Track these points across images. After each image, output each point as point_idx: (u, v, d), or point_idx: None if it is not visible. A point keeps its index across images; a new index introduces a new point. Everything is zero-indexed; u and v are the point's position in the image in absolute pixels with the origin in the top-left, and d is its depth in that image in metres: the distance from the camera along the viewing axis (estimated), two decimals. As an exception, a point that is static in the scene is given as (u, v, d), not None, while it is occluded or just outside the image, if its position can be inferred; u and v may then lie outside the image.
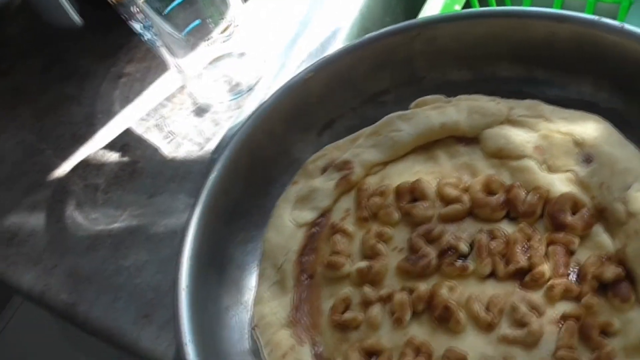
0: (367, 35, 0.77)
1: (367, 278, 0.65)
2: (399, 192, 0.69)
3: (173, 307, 0.64)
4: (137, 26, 0.86)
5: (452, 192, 0.67)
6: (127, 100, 1.03)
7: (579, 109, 0.70)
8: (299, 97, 0.76)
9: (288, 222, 0.71)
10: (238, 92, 0.94)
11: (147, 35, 0.87)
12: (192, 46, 0.92)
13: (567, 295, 0.60)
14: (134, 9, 0.86)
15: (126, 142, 0.98)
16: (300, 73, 0.76)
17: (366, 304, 0.64)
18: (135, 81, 1.04)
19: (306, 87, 0.76)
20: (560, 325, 0.59)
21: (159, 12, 0.86)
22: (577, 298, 0.60)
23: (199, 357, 0.60)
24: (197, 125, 0.95)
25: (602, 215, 0.63)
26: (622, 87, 0.69)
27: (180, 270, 0.65)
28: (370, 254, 0.66)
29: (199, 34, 0.91)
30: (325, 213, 0.71)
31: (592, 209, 0.63)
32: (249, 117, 0.75)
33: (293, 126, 0.78)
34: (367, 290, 0.64)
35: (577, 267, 0.61)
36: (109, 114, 1.02)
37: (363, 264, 0.65)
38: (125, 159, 0.96)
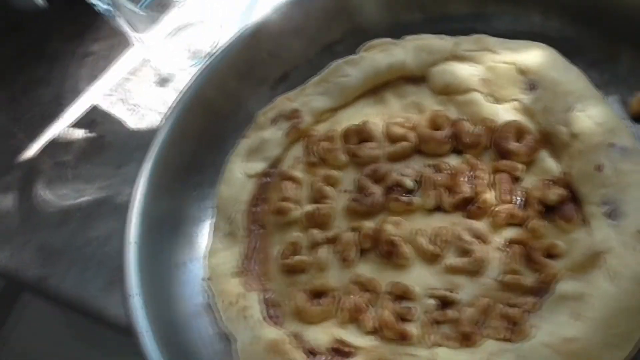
0: (313, -16, 0.76)
1: (315, 221, 0.64)
2: (346, 135, 0.68)
3: (121, 261, 0.64)
4: (90, -3, 0.86)
5: (398, 130, 0.66)
6: (93, 77, 1.03)
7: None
8: (249, 51, 0.76)
9: (239, 174, 0.70)
10: (198, 59, 0.94)
11: (102, 6, 0.87)
12: (152, 19, 0.92)
13: (512, 220, 0.59)
14: (87, -19, 0.86)
15: (93, 118, 0.98)
16: (249, 26, 0.76)
17: (314, 246, 0.63)
18: (100, 59, 1.05)
19: (256, 40, 0.76)
20: (506, 251, 0.57)
21: (113, -15, 0.86)
22: (522, 223, 0.59)
23: (145, 309, 0.60)
24: (160, 95, 0.95)
25: (548, 140, 0.62)
26: (572, 14, 0.68)
27: (128, 225, 0.65)
28: (318, 197, 0.66)
29: (158, 6, 0.91)
30: (276, 163, 0.71)
31: (537, 135, 0.62)
32: (198, 73, 0.74)
33: (246, 80, 0.77)
34: (315, 232, 0.63)
35: (523, 193, 0.60)
36: (76, 93, 1.02)
37: (310, 207, 0.65)
38: (93, 134, 0.96)
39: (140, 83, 0.98)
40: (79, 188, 0.92)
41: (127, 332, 0.62)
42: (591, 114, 0.58)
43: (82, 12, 1.03)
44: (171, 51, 0.96)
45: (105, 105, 0.98)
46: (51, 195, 0.92)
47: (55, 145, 0.97)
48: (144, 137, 0.91)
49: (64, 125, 0.99)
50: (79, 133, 0.97)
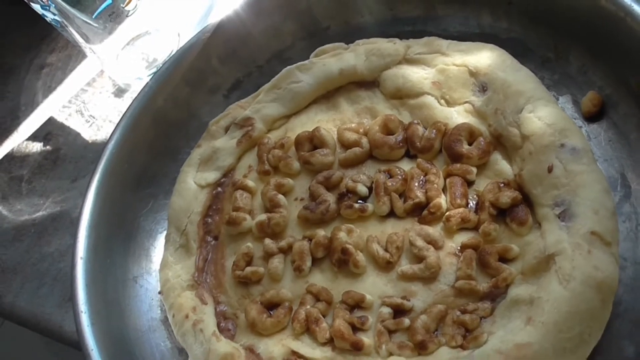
0: (263, -10, 0.75)
1: (267, 230, 0.63)
2: (298, 142, 0.67)
3: (70, 279, 0.62)
4: (36, 7, 0.84)
5: (351, 136, 0.66)
6: (49, 89, 1.01)
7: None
8: (199, 59, 0.75)
9: (191, 185, 0.69)
10: (155, 67, 0.92)
11: (49, 16, 0.85)
12: (106, 29, 0.90)
13: (465, 225, 0.58)
14: (35, -9, 0.84)
15: (49, 130, 0.96)
16: (196, 35, 0.74)
17: (268, 256, 0.62)
18: (57, 70, 1.03)
19: (205, 48, 0.75)
20: (460, 256, 0.57)
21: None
22: (476, 227, 0.58)
23: (93, 325, 0.58)
24: (116, 106, 0.93)
25: (499, 141, 0.61)
26: (519, 14, 0.68)
27: (76, 240, 0.64)
28: (269, 206, 0.64)
29: (111, 16, 0.89)
30: (229, 172, 0.70)
31: (488, 137, 0.61)
32: (148, 83, 0.73)
33: (197, 89, 0.76)
34: (268, 242, 0.62)
35: (477, 197, 0.59)
36: (32, 105, 1.00)
37: (262, 216, 0.64)
38: (48, 147, 0.94)
39: (97, 94, 0.97)
40: (34, 203, 0.90)
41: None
42: (541, 115, 0.58)
43: (37, 23, 1.02)
44: (127, 61, 0.94)
45: (62, 118, 0.96)
46: (5, 211, 0.90)
47: (10, 159, 0.95)
48: (101, 149, 0.89)
49: (19, 139, 0.97)
50: (35, 146, 0.95)
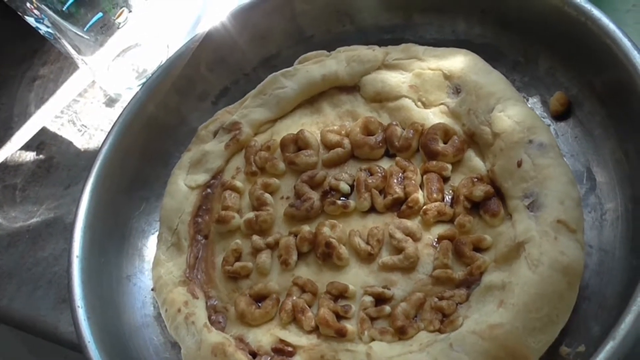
0: (249, 0, 0.78)
1: (255, 228, 0.66)
2: (284, 144, 0.70)
3: (67, 276, 0.65)
4: (31, 20, 0.87)
5: (333, 137, 0.69)
6: (42, 101, 1.04)
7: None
8: (188, 67, 0.78)
9: (182, 186, 0.72)
10: (145, 77, 0.95)
11: (43, 29, 0.88)
12: (97, 41, 0.93)
13: (441, 218, 0.61)
14: (29, 5, 0.87)
15: (42, 140, 0.99)
16: (185, 44, 0.78)
17: (256, 252, 0.65)
18: (49, 82, 1.06)
19: (194, 56, 0.78)
20: (437, 247, 0.60)
21: (56, 10, 0.87)
22: (452, 220, 0.61)
23: (89, 320, 0.61)
24: (108, 115, 0.97)
25: (473, 140, 0.65)
26: (491, 21, 0.72)
27: (73, 239, 0.67)
28: (257, 205, 0.67)
29: (102, 28, 0.92)
30: (217, 174, 0.73)
31: (462, 136, 0.65)
32: (140, 90, 0.76)
33: (187, 96, 0.79)
34: (255, 238, 0.65)
35: (452, 191, 0.63)
36: (25, 116, 1.03)
37: (250, 214, 0.67)
38: (41, 156, 0.97)
39: (89, 104, 1.00)
40: (28, 210, 0.92)
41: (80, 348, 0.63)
42: (510, 114, 0.62)
43: (30, 35, 1.05)
44: (118, 72, 0.97)
45: (54, 127, 0.99)
46: (0, 219, 0.92)
47: (4, 168, 0.98)
48: (93, 157, 0.91)
49: (13, 149, 0.99)
50: (28, 155, 0.98)
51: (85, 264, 0.66)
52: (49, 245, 0.87)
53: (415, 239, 0.61)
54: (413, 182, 0.63)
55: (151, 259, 0.72)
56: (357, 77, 0.72)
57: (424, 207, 0.62)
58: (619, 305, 0.50)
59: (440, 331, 0.56)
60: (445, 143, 0.65)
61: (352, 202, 0.65)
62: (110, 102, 0.97)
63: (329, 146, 0.69)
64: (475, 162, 0.64)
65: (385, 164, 0.67)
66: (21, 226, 0.91)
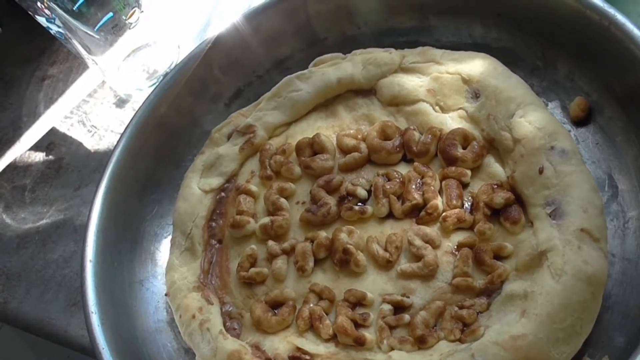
0: (262, 2, 0.78)
1: (270, 233, 0.65)
2: (299, 148, 0.69)
3: (80, 281, 0.64)
4: (42, 20, 0.87)
5: (350, 141, 0.68)
6: (51, 101, 1.03)
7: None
8: (201, 69, 0.77)
9: (196, 190, 0.71)
10: (156, 78, 0.95)
11: (54, 29, 0.87)
12: (108, 41, 0.92)
13: (461, 225, 0.61)
14: (39, 5, 0.86)
15: (51, 140, 0.98)
16: (198, 45, 0.77)
17: (271, 258, 0.64)
18: (58, 82, 1.05)
19: (207, 58, 0.77)
20: (456, 255, 0.59)
21: (67, 9, 0.86)
22: (472, 227, 0.61)
23: (103, 325, 0.60)
24: (118, 116, 0.96)
25: (492, 145, 0.64)
26: (508, 24, 0.71)
27: (86, 244, 0.66)
28: (272, 209, 0.67)
29: (113, 28, 0.92)
30: (231, 178, 0.72)
31: (482, 141, 0.64)
32: (153, 92, 0.75)
33: (200, 98, 0.79)
34: (271, 244, 0.64)
35: (471, 198, 0.62)
36: (34, 116, 1.02)
37: (266, 219, 0.66)
38: (51, 157, 0.96)
39: (99, 105, 0.99)
40: (37, 211, 0.91)
41: (91, 351, 0.62)
42: (531, 119, 0.61)
43: (39, 35, 1.04)
44: (128, 72, 0.96)
45: (64, 128, 0.98)
46: (10, 220, 0.92)
47: (13, 169, 0.97)
48: (103, 158, 0.92)
49: (22, 149, 0.99)
50: (38, 156, 0.97)
51: (98, 269, 0.65)
52: (59, 247, 0.86)
53: (435, 246, 0.60)
54: (432, 188, 0.62)
55: (164, 263, 0.71)
56: (373, 80, 0.71)
57: (443, 213, 0.61)
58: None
59: (461, 341, 0.55)
60: (464, 148, 0.64)
61: (369, 208, 0.64)
62: (121, 102, 0.97)
63: (345, 150, 0.68)
64: (495, 168, 0.63)
65: (403, 169, 0.66)
66: (30, 227, 0.90)
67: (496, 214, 0.61)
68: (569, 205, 0.56)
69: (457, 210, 0.61)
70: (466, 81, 0.67)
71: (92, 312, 0.61)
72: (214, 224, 0.70)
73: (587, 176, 0.57)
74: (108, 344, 0.60)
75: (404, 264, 0.60)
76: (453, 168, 0.63)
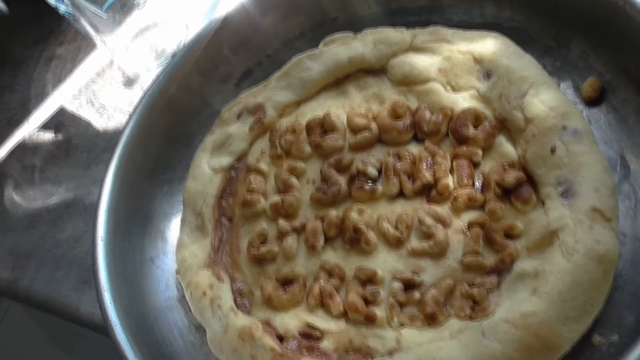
0: (272, -19, 0.77)
1: (281, 211, 0.65)
2: (309, 127, 0.69)
3: (92, 258, 0.65)
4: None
5: (360, 121, 0.68)
6: (59, 81, 1.03)
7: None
8: (211, 49, 0.77)
9: (206, 169, 0.71)
10: (164, 58, 0.94)
11: (62, 8, 0.87)
12: (116, 21, 0.92)
13: (471, 204, 0.61)
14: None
15: (60, 120, 0.98)
16: (207, 25, 0.77)
17: (282, 236, 0.65)
18: (66, 62, 1.05)
19: (217, 38, 0.77)
20: (467, 234, 0.59)
21: (76, -13, 0.86)
22: (482, 206, 0.61)
23: (115, 302, 0.61)
24: (126, 96, 0.96)
25: (504, 125, 0.64)
26: (522, 3, 0.70)
27: (97, 222, 0.66)
28: (283, 188, 0.67)
29: (122, 8, 0.91)
30: (242, 157, 0.72)
31: (493, 121, 0.64)
32: (162, 72, 0.75)
33: (210, 78, 0.78)
34: (282, 222, 0.65)
35: (482, 177, 0.62)
36: (42, 97, 1.03)
37: (276, 198, 0.66)
38: (60, 137, 0.96)
39: (107, 84, 0.99)
40: (47, 190, 0.92)
41: (102, 328, 0.62)
42: (544, 99, 0.60)
43: (46, 15, 1.04)
44: (136, 52, 0.96)
45: (72, 108, 0.98)
46: (20, 199, 0.92)
47: (22, 149, 0.97)
48: (112, 138, 0.92)
49: (31, 129, 0.99)
50: (47, 136, 0.97)
51: (109, 247, 0.65)
52: (69, 226, 0.86)
53: (445, 225, 0.60)
54: (443, 167, 0.62)
55: (174, 242, 0.71)
56: (384, 59, 0.71)
57: (454, 193, 0.61)
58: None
59: (471, 318, 0.55)
60: (475, 128, 0.64)
61: (380, 187, 0.64)
62: (129, 82, 0.97)
63: (355, 130, 0.68)
64: (506, 147, 0.63)
65: (414, 149, 0.66)
66: (40, 207, 0.90)
67: (507, 193, 0.61)
68: (580, 185, 0.56)
69: (468, 190, 0.61)
70: (478, 61, 0.66)
71: (105, 290, 0.61)
72: (224, 202, 0.70)
73: (599, 156, 0.57)
74: (120, 320, 0.60)
75: (415, 243, 0.60)
76: (464, 148, 0.63)
